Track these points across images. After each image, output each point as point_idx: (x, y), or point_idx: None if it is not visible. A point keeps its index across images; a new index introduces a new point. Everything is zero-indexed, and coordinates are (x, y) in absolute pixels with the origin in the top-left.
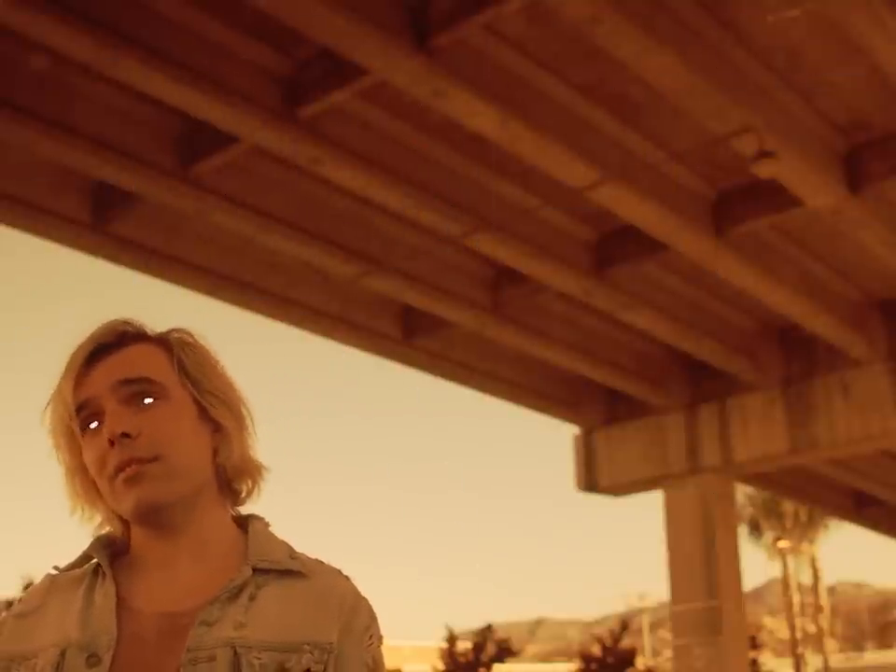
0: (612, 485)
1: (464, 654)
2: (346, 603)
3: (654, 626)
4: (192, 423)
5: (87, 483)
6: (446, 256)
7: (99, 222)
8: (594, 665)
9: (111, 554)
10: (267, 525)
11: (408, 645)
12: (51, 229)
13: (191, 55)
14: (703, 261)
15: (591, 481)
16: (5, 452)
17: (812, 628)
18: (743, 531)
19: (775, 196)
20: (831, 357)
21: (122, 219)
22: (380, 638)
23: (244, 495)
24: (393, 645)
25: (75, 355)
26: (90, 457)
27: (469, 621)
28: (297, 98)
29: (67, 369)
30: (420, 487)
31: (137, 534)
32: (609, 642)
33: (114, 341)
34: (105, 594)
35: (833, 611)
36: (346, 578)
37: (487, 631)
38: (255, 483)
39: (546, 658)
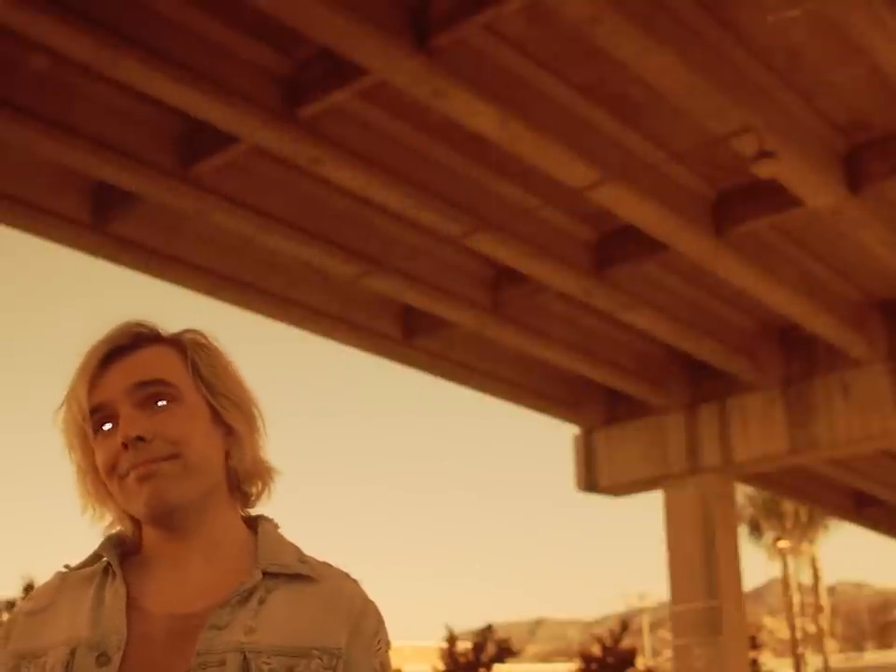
0: (612, 485)
1: (464, 654)
2: (355, 607)
3: (654, 626)
4: (205, 425)
5: (98, 483)
6: (446, 256)
7: (99, 222)
8: (594, 665)
9: (121, 554)
10: (276, 526)
11: (408, 645)
12: (51, 229)
13: (191, 55)
14: (703, 261)
15: (591, 481)
16: (5, 452)
17: (812, 628)
18: (743, 531)
19: (775, 196)
20: (831, 357)
21: (122, 219)
22: (387, 643)
23: (254, 497)
24: (393, 645)
25: (89, 356)
26: (100, 458)
27: (469, 621)
28: (297, 98)
29: (82, 370)
30: (420, 487)
31: (149, 534)
32: (609, 642)
33: (128, 342)
34: (115, 593)
35: (833, 611)
36: (355, 582)
37: (487, 631)
38: (265, 485)
39: (546, 658)
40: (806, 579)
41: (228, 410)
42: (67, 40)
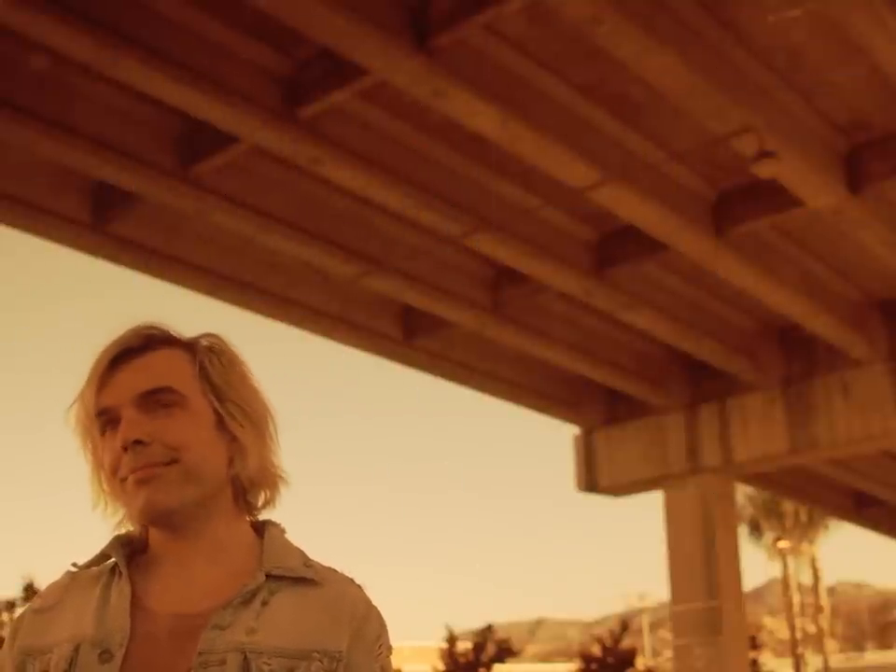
0: (612, 485)
1: (464, 654)
2: (358, 612)
3: (654, 626)
4: (208, 432)
5: (109, 480)
6: (446, 256)
7: (99, 222)
8: (594, 666)
9: (128, 554)
10: (283, 531)
11: (408, 645)
12: (51, 229)
13: (191, 55)
14: (703, 261)
15: (591, 481)
16: (5, 452)
17: (812, 628)
18: (743, 531)
19: (775, 196)
20: (831, 357)
21: (122, 219)
22: (389, 648)
23: (259, 505)
24: (393, 645)
25: (100, 358)
26: (106, 459)
27: (469, 621)
28: (297, 98)
29: (92, 372)
30: (420, 487)
31: (155, 534)
32: (609, 642)
33: (139, 344)
34: (120, 592)
35: (834, 611)
36: (358, 587)
37: (487, 631)
38: (272, 494)
39: (546, 658)
40: (806, 579)
41: (234, 417)
42: (67, 40)
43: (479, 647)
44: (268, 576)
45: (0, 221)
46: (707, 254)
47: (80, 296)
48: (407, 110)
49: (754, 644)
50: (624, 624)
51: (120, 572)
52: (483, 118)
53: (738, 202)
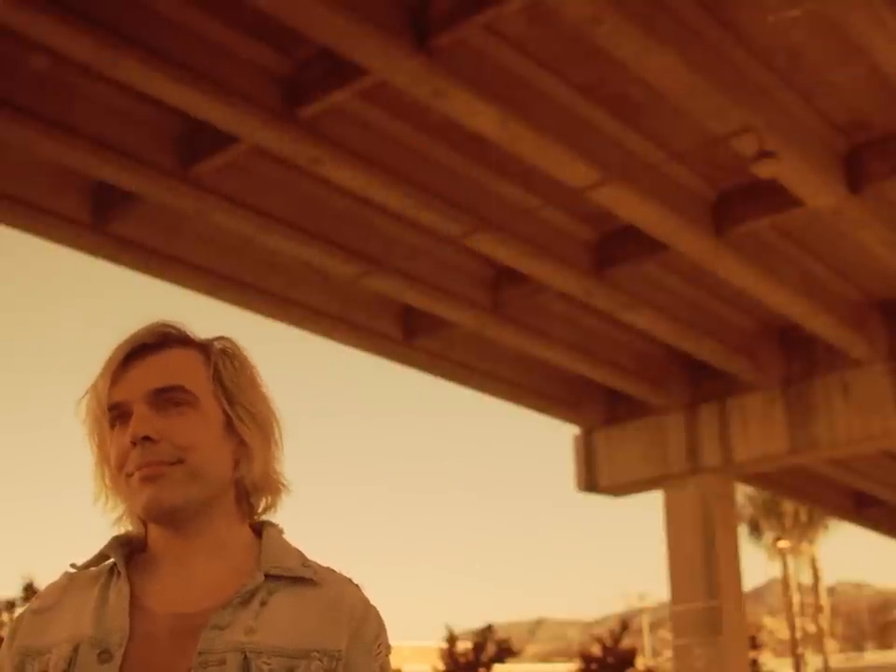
0: (612, 485)
1: (464, 654)
2: (357, 612)
3: (654, 626)
4: (217, 434)
5: (113, 475)
6: (446, 256)
7: (99, 222)
8: (594, 666)
9: (127, 553)
10: (281, 531)
11: (408, 645)
12: (51, 229)
13: (191, 55)
14: (703, 261)
15: (591, 481)
16: (5, 452)
17: (812, 628)
18: (743, 531)
19: (775, 196)
20: (831, 357)
21: (122, 219)
22: (388, 648)
23: (260, 510)
24: (393, 645)
25: (115, 352)
26: (113, 452)
27: (468, 621)
28: (297, 98)
29: (106, 366)
30: (420, 487)
31: (154, 533)
32: (609, 642)
33: (155, 342)
34: (118, 592)
35: (833, 611)
36: (357, 587)
37: (487, 631)
38: (273, 499)
39: (546, 658)
40: (806, 579)
41: (243, 421)
42: (67, 40)
43: (479, 647)
44: (266, 576)
45: (0, 221)
46: (707, 254)
47: (80, 296)
48: (407, 110)
49: (754, 644)
50: (624, 624)
51: (119, 572)
52: (482, 118)
53: (738, 202)
